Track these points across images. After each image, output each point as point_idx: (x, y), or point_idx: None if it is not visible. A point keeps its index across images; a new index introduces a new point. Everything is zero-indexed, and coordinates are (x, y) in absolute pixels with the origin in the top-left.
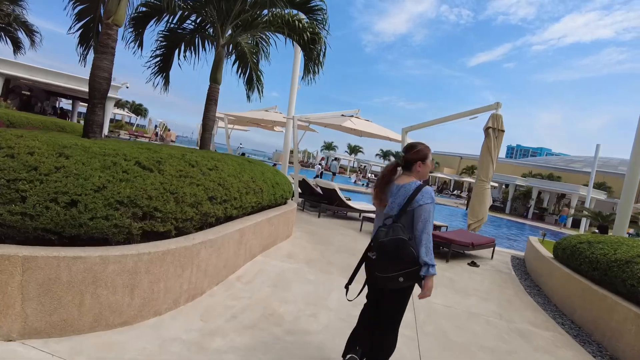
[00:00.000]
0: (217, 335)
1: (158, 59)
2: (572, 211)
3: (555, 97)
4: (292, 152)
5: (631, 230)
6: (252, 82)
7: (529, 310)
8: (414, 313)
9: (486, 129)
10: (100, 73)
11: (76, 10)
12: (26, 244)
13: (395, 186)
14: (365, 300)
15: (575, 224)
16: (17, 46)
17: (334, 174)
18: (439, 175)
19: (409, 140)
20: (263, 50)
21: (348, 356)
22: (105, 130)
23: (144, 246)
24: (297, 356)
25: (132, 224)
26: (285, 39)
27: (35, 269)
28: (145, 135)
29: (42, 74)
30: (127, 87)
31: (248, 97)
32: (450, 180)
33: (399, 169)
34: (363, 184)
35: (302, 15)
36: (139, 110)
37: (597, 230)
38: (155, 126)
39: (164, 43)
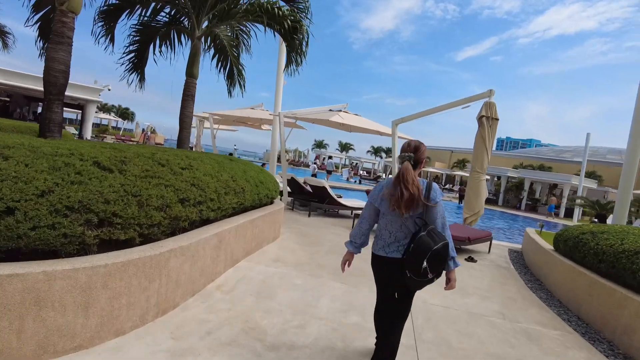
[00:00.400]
0: (187, 356)
1: (132, 54)
2: (565, 200)
3: (543, 89)
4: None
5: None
6: (234, 76)
7: (533, 308)
8: (411, 317)
9: (479, 118)
10: (55, 65)
11: (33, 2)
12: None
13: None
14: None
15: (569, 214)
16: None
17: (329, 172)
18: (431, 169)
19: (400, 133)
20: (244, 43)
21: None
22: (88, 135)
23: (100, 257)
24: None
25: (85, 233)
26: (265, 29)
27: None
28: (132, 139)
29: (19, 79)
30: (109, 90)
31: (229, 92)
32: (442, 174)
33: None
34: (355, 181)
35: (282, 3)
36: (125, 114)
37: (596, 220)
38: (143, 129)
39: (138, 38)
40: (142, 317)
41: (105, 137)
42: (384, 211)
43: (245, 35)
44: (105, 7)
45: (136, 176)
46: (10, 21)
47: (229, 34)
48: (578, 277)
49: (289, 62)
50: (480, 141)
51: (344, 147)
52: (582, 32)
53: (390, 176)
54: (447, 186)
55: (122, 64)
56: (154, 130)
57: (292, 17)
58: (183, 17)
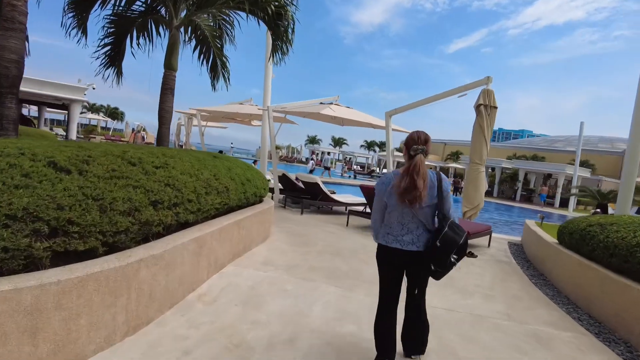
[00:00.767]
0: None
1: (107, 48)
2: (559, 190)
3: (534, 80)
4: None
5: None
6: (217, 69)
7: (540, 307)
8: None
9: (477, 107)
10: (6, 55)
11: None
12: None
13: None
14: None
15: (564, 204)
16: None
17: (327, 168)
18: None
19: (394, 125)
20: (227, 34)
21: None
22: (73, 136)
23: (51, 273)
24: None
25: (33, 245)
26: (247, 16)
27: None
28: (122, 139)
29: None
30: (94, 89)
31: (213, 86)
32: (436, 167)
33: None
34: (350, 176)
35: None
36: (115, 114)
37: (598, 210)
38: (133, 129)
39: (113, 29)
40: (107, 337)
41: (95, 137)
42: (393, 204)
43: (228, 25)
44: None
45: (99, 177)
46: None
47: (211, 24)
48: (587, 272)
49: (274, 51)
50: (478, 131)
51: (337, 142)
52: (570, 22)
53: (393, 170)
54: None
55: (98, 58)
56: (144, 129)
57: (276, 2)
58: (160, 6)
